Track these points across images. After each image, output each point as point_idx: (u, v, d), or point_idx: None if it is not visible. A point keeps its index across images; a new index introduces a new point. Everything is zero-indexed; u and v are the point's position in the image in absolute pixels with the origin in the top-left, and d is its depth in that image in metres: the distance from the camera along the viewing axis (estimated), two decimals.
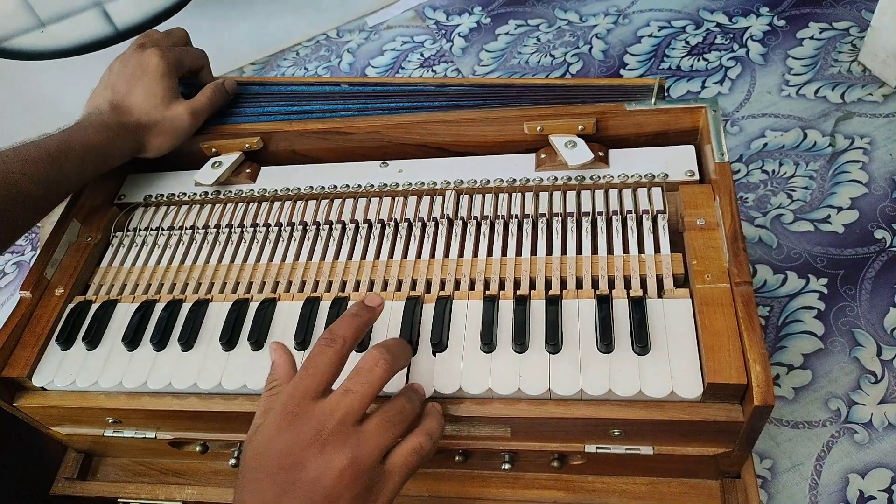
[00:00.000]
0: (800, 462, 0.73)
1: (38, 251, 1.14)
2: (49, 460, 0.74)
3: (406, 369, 0.55)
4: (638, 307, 0.54)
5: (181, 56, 0.72)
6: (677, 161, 0.64)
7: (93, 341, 0.61)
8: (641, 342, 0.51)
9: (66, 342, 0.61)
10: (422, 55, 1.27)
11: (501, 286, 0.59)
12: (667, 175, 0.63)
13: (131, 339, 0.60)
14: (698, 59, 1.12)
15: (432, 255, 0.62)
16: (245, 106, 0.76)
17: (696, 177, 0.63)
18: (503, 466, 0.60)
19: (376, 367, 0.47)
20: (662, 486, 0.61)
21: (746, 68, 1.08)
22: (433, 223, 0.65)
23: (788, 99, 1.03)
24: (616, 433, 0.54)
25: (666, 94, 0.93)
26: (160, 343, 0.59)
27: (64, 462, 0.72)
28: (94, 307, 0.63)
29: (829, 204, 0.91)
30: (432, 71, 1.24)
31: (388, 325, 0.57)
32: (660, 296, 0.55)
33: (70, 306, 0.64)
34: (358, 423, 0.46)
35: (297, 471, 0.44)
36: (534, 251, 0.61)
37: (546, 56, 1.19)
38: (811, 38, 1.10)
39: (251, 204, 0.70)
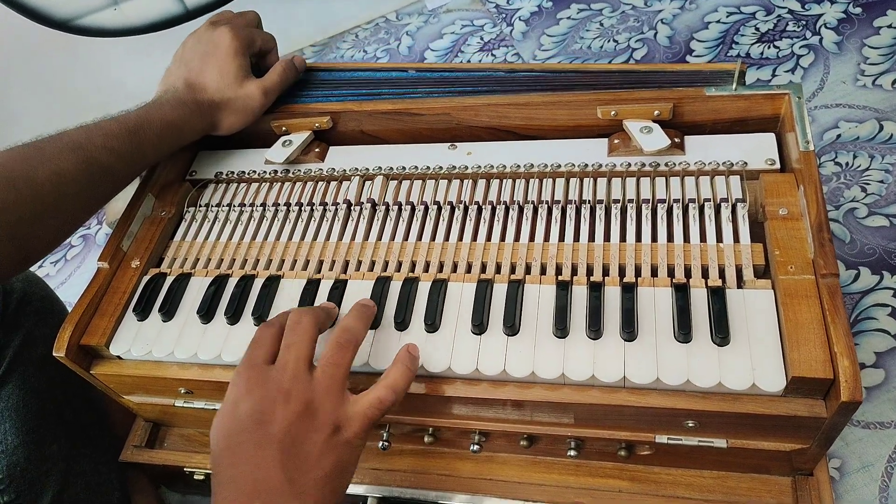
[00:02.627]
0: (870, 463, 0.71)
1: (103, 225, 1.18)
2: (114, 427, 0.77)
3: (473, 351, 0.55)
4: (717, 297, 0.52)
5: (253, 35, 0.73)
6: (756, 149, 0.62)
7: (168, 313, 0.62)
8: (722, 332, 0.50)
9: (142, 313, 0.63)
10: (481, 39, 1.26)
11: (574, 272, 0.58)
12: (746, 163, 0.61)
13: (206, 312, 0.61)
14: (769, 47, 1.08)
15: (502, 238, 0.62)
16: (313, 90, 0.76)
17: (777, 165, 0.61)
18: (569, 453, 0.60)
19: (302, 318, 0.52)
20: (731, 480, 0.60)
21: (819, 57, 1.05)
22: (503, 206, 0.64)
23: (864, 89, 0.99)
24: (690, 424, 0.53)
25: None
26: (234, 317, 0.60)
27: (133, 430, 0.74)
28: (168, 280, 0.65)
29: None
30: (492, 55, 1.23)
31: (458, 307, 0.57)
32: (739, 286, 0.54)
33: (146, 278, 0.66)
34: (310, 370, 0.50)
35: (268, 425, 0.47)
36: (607, 237, 0.60)
37: (609, 41, 1.17)
38: (889, 26, 1.06)
39: (320, 183, 0.71)
